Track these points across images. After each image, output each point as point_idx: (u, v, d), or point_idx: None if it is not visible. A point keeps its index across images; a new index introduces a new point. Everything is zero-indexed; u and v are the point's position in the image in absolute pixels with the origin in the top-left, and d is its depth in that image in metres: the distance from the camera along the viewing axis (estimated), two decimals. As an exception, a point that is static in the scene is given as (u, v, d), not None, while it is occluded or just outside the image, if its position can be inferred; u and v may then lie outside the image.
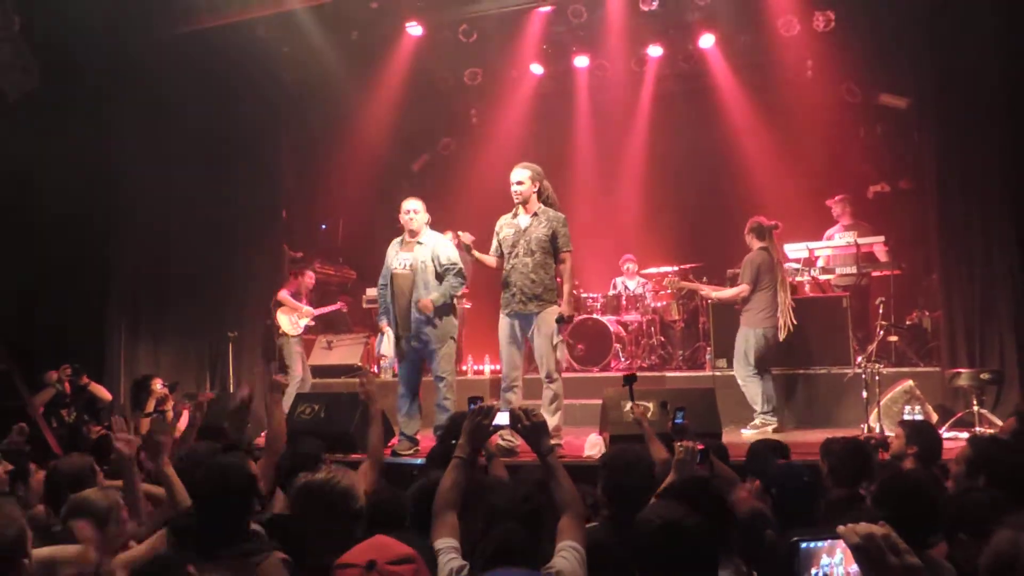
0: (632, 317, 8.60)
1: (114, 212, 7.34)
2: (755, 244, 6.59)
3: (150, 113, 7.38)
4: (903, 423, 3.88)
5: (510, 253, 5.48)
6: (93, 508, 2.66)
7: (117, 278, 7.43)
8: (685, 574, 1.90)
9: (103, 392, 6.51)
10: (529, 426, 2.74)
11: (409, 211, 5.77)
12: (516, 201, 5.47)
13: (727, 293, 6.99)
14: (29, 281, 6.86)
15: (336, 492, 2.35)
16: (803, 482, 3.12)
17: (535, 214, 5.44)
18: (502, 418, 2.81)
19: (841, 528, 1.49)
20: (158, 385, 6.30)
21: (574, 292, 5.53)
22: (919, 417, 5.94)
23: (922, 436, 3.68)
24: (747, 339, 6.45)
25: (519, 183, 5.43)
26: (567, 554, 2.33)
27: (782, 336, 6.39)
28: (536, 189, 5.46)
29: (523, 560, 2.12)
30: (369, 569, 1.60)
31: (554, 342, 5.36)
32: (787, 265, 7.47)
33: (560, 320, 5.39)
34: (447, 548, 2.36)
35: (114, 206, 7.33)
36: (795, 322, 6.41)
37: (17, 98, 6.44)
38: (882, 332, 6.46)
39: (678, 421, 3.80)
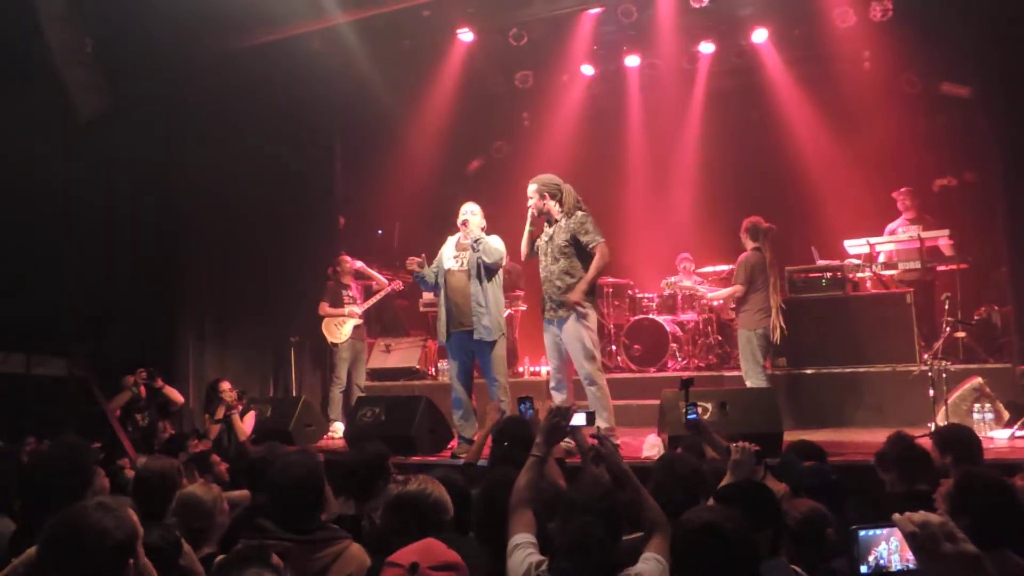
0: (689, 316, 8.53)
1: (181, 224, 7.62)
2: (749, 244, 6.53)
3: (214, 127, 7.63)
4: (932, 435, 3.56)
5: (542, 262, 5.63)
6: (200, 503, 2.83)
7: (185, 288, 7.71)
8: None
9: (176, 395, 6.76)
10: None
11: (466, 212, 5.85)
12: (533, 214, 5.61)
13: (722, 293, 7.04)
14: (104, 293, 7.17)
15: (429, 503, 2.38)
16: (831, 481, 3.08)
17: (556, 222, 5.54)
18: (579, 418, 2.88)
19: (896, 516, 1.47)
20: (226, 387, 6.53)
21: (595, 282, 5.51)
22: (990, 416, 5.78)
23: (954, 442, 3.39)
24: (750, 340, 6.32)
25: (528, 198, 5.60)
26: (651, 564, 2.34)
27: (775, 337, 6.27)
28: (545, 201, 5.53)
29: (598, 554, 2.13)
30: (412, 572, 1.65)
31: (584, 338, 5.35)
32: (847, 261, 7.34)
33: (561, 304, 5.42)
34: (525, 543, 2.39)
35: (181, 218, 7.61)
36: (785, 326, 6.25)
37: (90, 118, 6.75)
38: (948, 328, 6.29)
39: (691, 416, 3.79)
